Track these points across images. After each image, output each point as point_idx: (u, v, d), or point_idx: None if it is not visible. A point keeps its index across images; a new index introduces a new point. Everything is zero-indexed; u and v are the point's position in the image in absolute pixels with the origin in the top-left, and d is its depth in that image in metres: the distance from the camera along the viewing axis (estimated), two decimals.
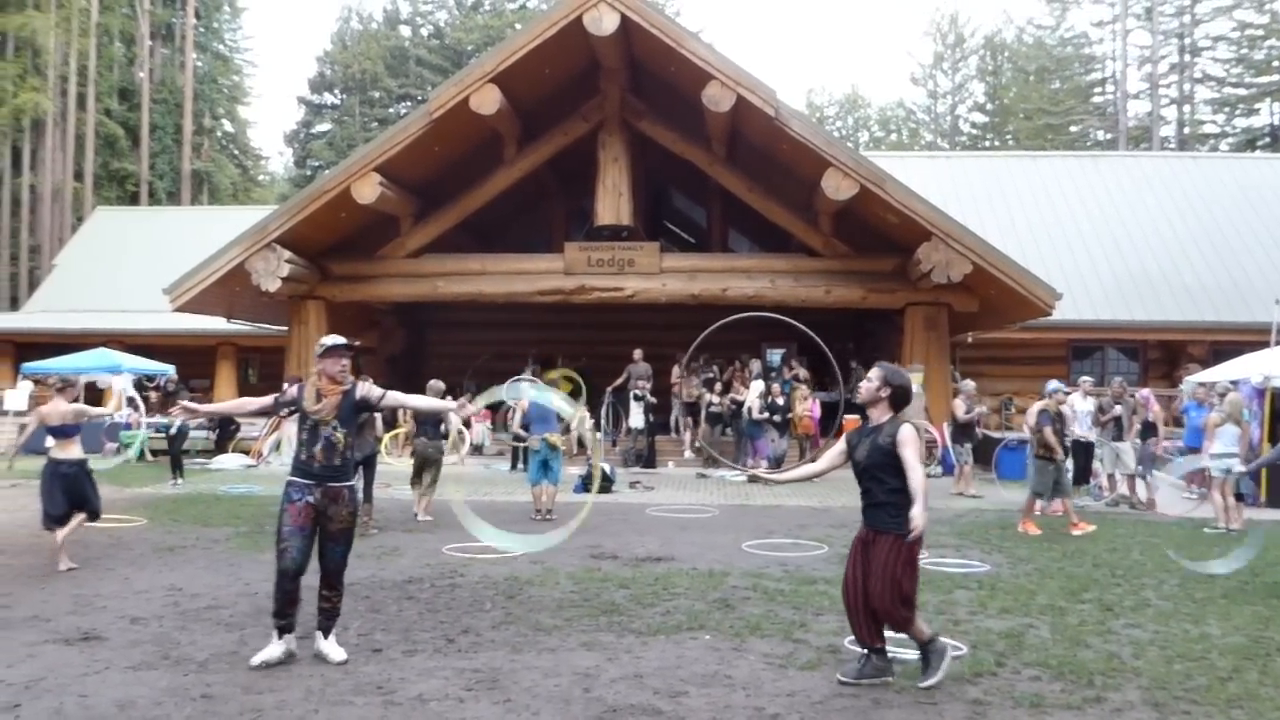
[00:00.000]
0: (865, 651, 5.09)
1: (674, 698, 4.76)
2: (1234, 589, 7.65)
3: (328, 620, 5.42)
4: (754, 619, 6.38)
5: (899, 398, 5.26)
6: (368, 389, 5.58)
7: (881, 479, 5.06)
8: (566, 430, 12.62)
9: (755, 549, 9.19)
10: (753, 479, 5.86)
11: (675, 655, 5.54)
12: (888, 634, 5.13)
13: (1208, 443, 11.11)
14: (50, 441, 8.21)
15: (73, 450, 8.14)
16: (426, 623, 6.23)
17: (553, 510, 11.39)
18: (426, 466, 11.27)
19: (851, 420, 19.27)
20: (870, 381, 5.29)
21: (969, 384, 14.91)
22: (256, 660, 5.23)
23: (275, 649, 5.29)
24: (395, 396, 5.73)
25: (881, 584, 4.96)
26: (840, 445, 5.45)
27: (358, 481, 9.11)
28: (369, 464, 10.50)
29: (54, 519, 8.03)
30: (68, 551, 7.98)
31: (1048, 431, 10.85)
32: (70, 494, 8.05)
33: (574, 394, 17.02)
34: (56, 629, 5.97)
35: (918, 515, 4.88)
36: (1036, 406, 11.39)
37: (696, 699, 4.75)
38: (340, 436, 5.40)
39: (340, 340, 5.58)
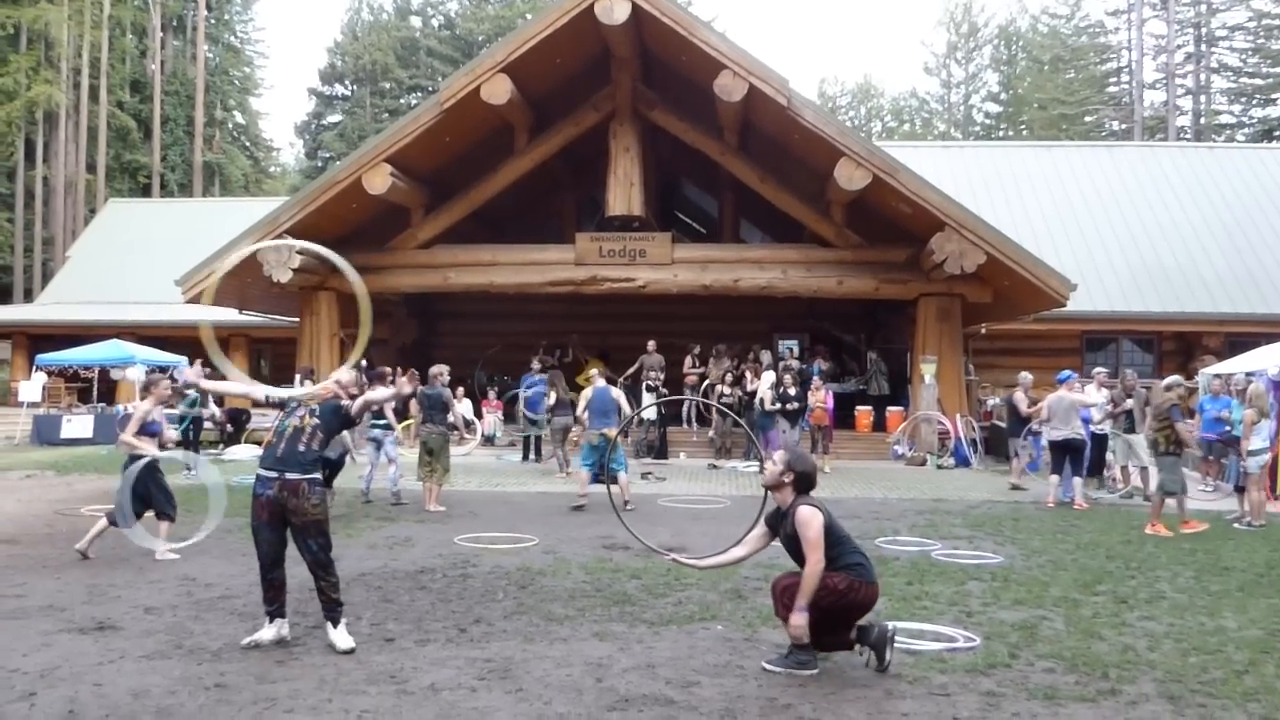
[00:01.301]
0: (858, 648, 5.12)
1: (686, 688, 4.75)
2: (1250, 582, 7.60)
3: (330, 611, 5.48)
4: (766, 610, 6.35)
5: (803, 482, 5.23)
6: (349, 404, 5.75)
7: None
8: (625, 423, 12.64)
9: None
10: (675, 562, 5.89)
11: (687, 645, 5.52)
12: (898, 624, 5.11)
13: (1244, 441, 10.98)
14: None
15: (148, 447, 8.24)
16: (439, 613, 6.23)
17: (629, 500, 11.39)
18: (433, 453, 11.29)
19: (864, 412, 19.35)
20: (774, 465, 5.28)
21: (1027, 376, 14.44)
22: (245, 641, 5.39)
23: (265, 632, 5.46)
24: (359, 401, 5.85)
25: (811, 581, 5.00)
26: (761, 528, 5.47)
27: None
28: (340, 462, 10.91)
29: (122, 515, 8.06)
30: (94, 546, 8.08)
31: (1180, 427, 10.41)
32: (135, 488, 8.10)
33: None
34: (71, 618, 5.99)
35: (795, 619, 4.92)
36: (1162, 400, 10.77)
37: (709, 689, 4.74)
38: (311, 423, 5.51)
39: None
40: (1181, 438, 10.43)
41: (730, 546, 5.99)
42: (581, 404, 12.29)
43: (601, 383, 12.24)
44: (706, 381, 18.72)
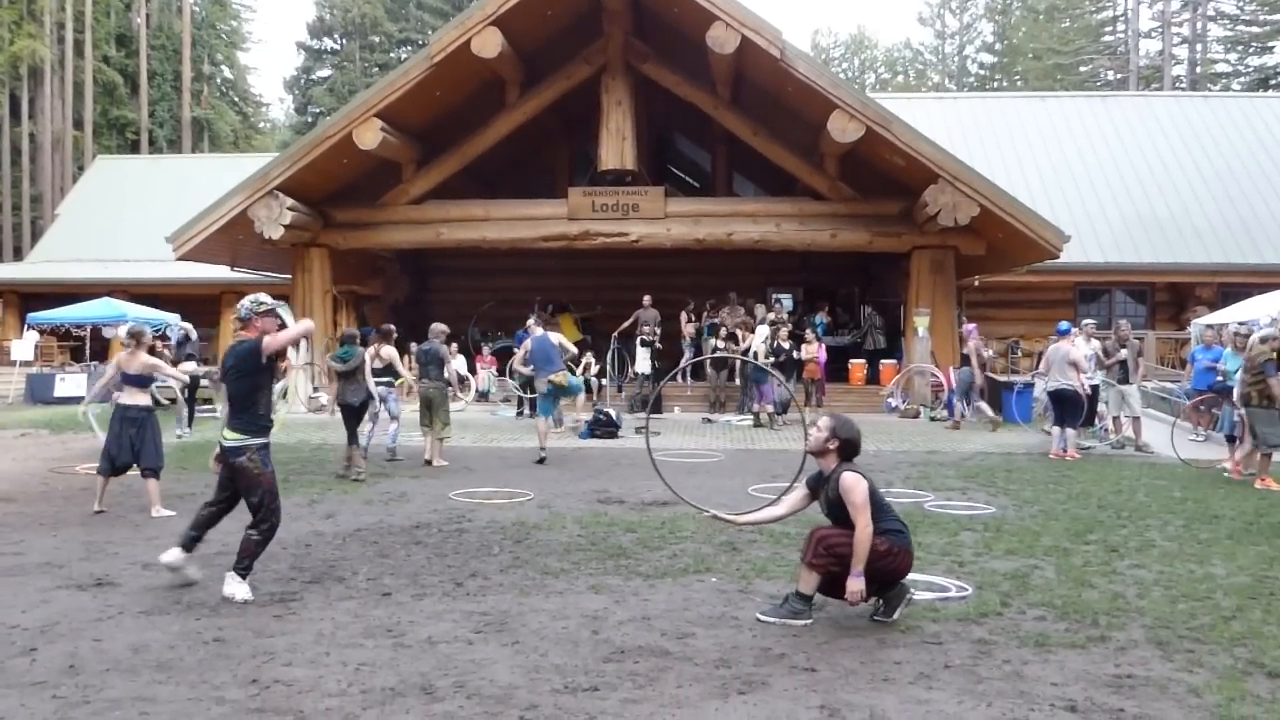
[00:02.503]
0: (875, 599, 5.16)
1: (681, 639, 4.80)
2: (1239, 530, 7.67)
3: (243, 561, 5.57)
4: (760, 561, 6.42)
5: (848, 449, 5.27)
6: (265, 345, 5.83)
7: (849, 527, 5.09)
8: (574, 365, 12.60)
9: (761, 493, 9.22)
10: (715, 518, 5.90)
11: (682, 597, 5.57)
12: (912, 579, 5.22)
13: (1239, 390, 10.98)
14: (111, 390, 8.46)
15: (141, 398, 8.34)
16: (435, 567, 6.27)
17: (544, 449, 11.49)
18: (432, 408, 11.32)
19: (858, 365, 19.38)
20: (820, 431, 5.29)
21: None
22: (240, 599, 5.39)
23: (247, 588, 5.50)
24: (269, 340, 5.82)
25: (844, 534, 5.04)
26: (801, 490, 5.49)
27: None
28: (362, 409, 10.68)
29: (113, 463, 8.18)
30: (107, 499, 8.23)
31: (1273, 382, 10.05)
32: (134, 438, 8.17)
33: (579, 343, 17.03)
34: (70, 575, 6.02)
35: (854, 585, 4.93)
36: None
37: (704, 640, 4.78)
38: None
39: (276, 302, 5.84)
40: (1273, 392, 10.10)
41: (765, 505, 6.03)
42: (519, 356, 12.32)
43: (539, 331, 12.36)
44: (721, 331, 18.46)
